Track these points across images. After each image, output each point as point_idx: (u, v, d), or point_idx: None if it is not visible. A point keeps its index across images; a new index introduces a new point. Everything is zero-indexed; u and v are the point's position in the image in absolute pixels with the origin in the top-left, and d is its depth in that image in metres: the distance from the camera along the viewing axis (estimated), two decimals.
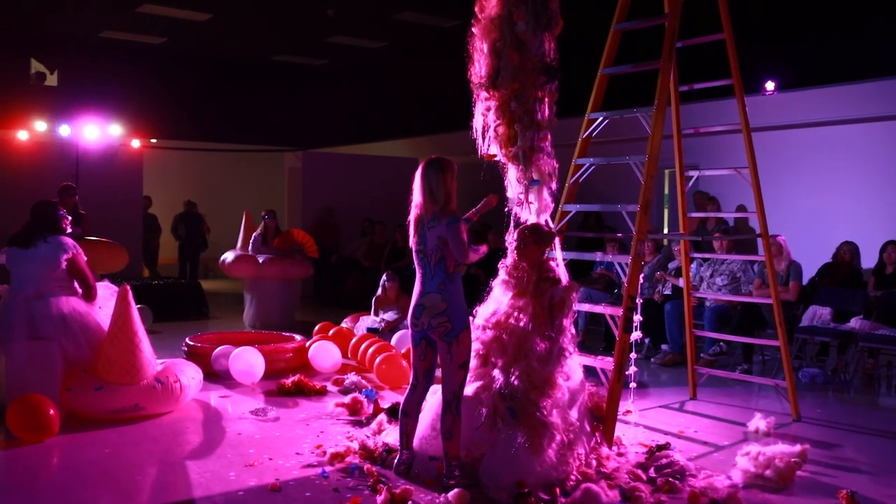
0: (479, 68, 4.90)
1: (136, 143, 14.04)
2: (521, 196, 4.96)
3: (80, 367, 5.65)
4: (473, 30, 4.92)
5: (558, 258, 5.02)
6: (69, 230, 6.00)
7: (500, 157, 5.02)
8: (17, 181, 11.86)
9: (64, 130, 12.72)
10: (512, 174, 5.03)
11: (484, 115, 4.99)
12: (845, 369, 7.31)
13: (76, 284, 5.81)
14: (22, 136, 13.29)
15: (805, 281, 8.17)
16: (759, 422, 5.65)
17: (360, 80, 17.57)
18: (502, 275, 4.95)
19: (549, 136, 5.02)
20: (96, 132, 12.74)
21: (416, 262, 4.51)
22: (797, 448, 4.81)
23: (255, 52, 16.90)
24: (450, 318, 4.33)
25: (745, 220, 10.29)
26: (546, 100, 4.88)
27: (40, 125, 13.77)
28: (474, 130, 5.03)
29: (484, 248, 4.53)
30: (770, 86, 10.30)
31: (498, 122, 4.87)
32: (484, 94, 4.89)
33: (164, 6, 13.34)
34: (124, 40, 15.66)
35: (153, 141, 16.18)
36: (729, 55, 6.06)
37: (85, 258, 5.85)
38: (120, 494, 4.25)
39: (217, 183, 18.59)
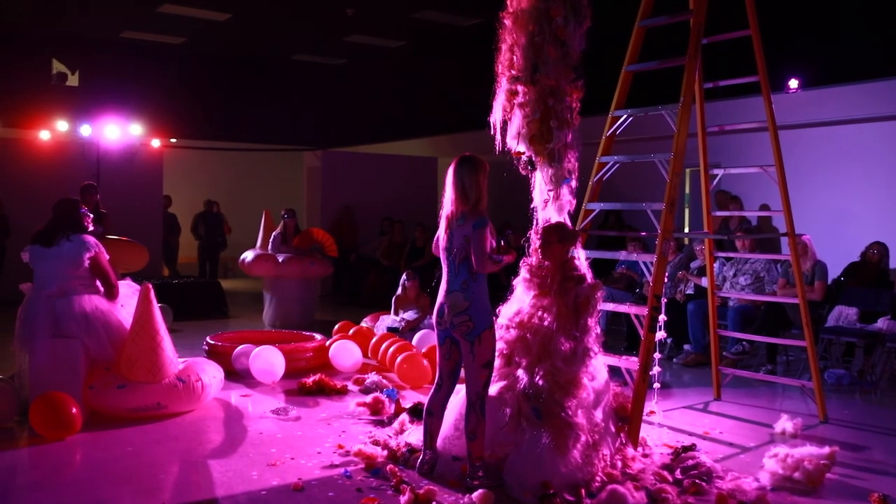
0: (515, 61, 4.79)
1: (156, 143, 14.12)
2: (551, 193, 4.87)
3: (103, 365, 5.67)
4: (506, 21, 4.83)
5: (581, 257, 4.95)
6: (91, 228, 6.01)
7: (528, 154, 4.91)
8: (40, 181, 11.97)
9: (85, 130, 12.81)
10: (543, 172, 4.92)
11: (505, 109, 4.87)
12: (872, 370, 7.20)
13: (98, 283, 5.82)
14: (44, 136, 13.41)
15: (829, 281, 8.06)
16: (785, 423, 5.57)
17: (379, 80, 17.56)
18: (524, 273, 4.89)
19: (572, 135, 4.95)
20: (117, 132, 12.82)
21: (443, 260, 4.45)
22: (826, 450, 4.73)
23: (275, 51, 16.92)
24: (471, 317, 4.29)
25: (767, 219, 10.19)
26: (574, 96, 4.82)
27: (62, 125, 13.87)
28: (493, 126, 4.92)
29: (508, 258, 4.43)
30: (793, 83, 10.19)
31: (532, 117, 4.75)
32: (519, 89, 4.78)
33: (184, 6, 13.38)
34: (144, 40, 15.73)
35: (173, 140, 16.26)
36: (755, 52, 5.97)
37: (107, 257, 5.86)
38: (142, 492, 4.24)
39: (236, 182, 18.64)
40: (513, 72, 4.80)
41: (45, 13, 14.02)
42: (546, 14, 4.73)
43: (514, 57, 4.80)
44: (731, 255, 7.83)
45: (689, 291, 8.44)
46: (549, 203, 4.86)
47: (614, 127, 5.82)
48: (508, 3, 4.85)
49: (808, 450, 4.66)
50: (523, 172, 4.97)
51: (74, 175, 11.50)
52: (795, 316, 7.18)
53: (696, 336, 7.99)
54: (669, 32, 6.07)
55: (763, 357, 7.70)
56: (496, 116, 4.91)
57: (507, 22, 4.82)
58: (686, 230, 11.49)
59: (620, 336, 8.68)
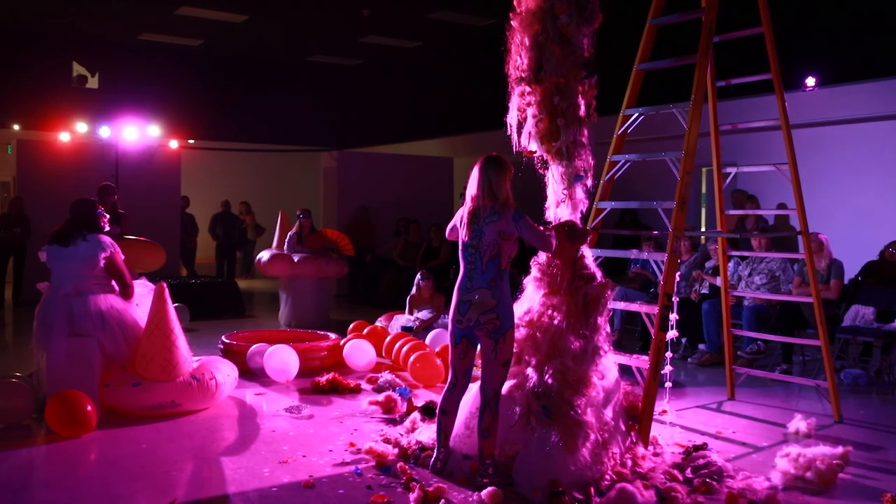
0: (520, 62, 4.80)
1: (174, 144, 14.23)
2: (565, 193, 4.86)
3: (118, 364, 5.73)
4: (512, 23, 4.85)
5: (589, 256, 4.93)
6: (107, 228, 6.07)
7: (539, 153, 4.93)
8: (60, 182, 12.12)
9: (104, 132, 12.96)
10: (554, 170, 4.93)
11: (521, 111, 4.90)
12: (889, 370, 7.14)
13: (114, 282, 5.88)
14: (64, 137, 13.56)
15: (846, 280, 7.99)
16: (799, 423, 5.53)
17: (394, 80, 17.61)
18: (534, 272, 4.90)
19: (587, 132, 4.95)
20: (135, 133, 12.94)
21: (462, 257, 4.43)
22: (839, 450, 4.71)
23: (291, 52, 17.01)
24: (499, 315, 4.30)
25: (785, 218, 10.11)
26: (587, 94, 4.82)
27: (81, 127, 14.04)
28: (508, 126, 4.95)
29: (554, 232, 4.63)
30: (811, 81, 10.10)
31: (540, 116, 4.76)
32: (526, 89, 4.78)
33: (202, 8, 13.50)
34: (162, 42, 15.88)
35: (191, 141, 16.39)
36: (768, 49, 5.94)
37: (122, 257, 5.92)
38: (156, 489, 4.29)
39: (253, 183, 18.77)
40: (519, 72, 4.82)
41: (65, 16, 14.18)
42: (550, 13, 4.74)
43: (519, 58, 4.82)
44: (745, 253, 7.79)
45: (704, 291, 8.40)
46: (563, 202, 4.85)
47: (626, 125, 5.81)
48: (516, 4, 4.87)
49: (820, 449, 4.63)
50: (541, 171, 4.99)
51: (94, 176, 11.60)
52: (811, 315, 7.12)
53: (710, 336, 7.95)
54: (682, 30, 6.05)
55: (778, 357, 7.65)
56: (512, 116, 4.93)
57: (514, 23, 4.84)
58: (702, 229, 11.43)
59: (635, 336, 8.66)
